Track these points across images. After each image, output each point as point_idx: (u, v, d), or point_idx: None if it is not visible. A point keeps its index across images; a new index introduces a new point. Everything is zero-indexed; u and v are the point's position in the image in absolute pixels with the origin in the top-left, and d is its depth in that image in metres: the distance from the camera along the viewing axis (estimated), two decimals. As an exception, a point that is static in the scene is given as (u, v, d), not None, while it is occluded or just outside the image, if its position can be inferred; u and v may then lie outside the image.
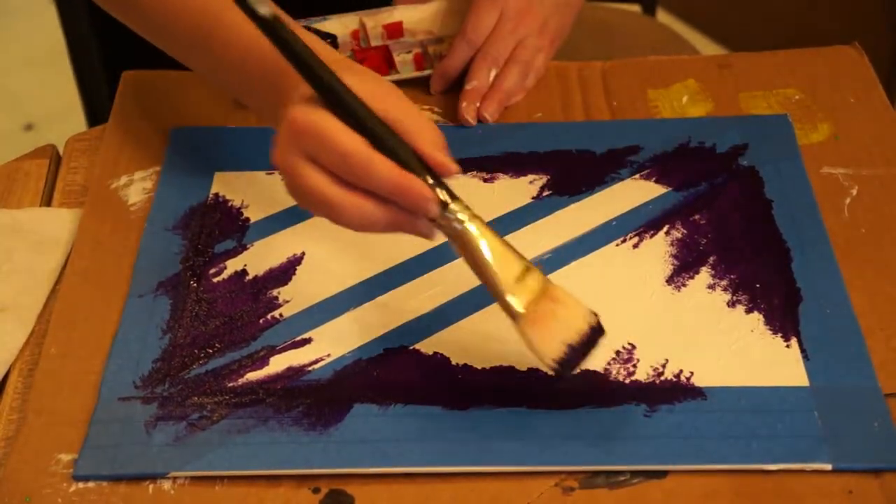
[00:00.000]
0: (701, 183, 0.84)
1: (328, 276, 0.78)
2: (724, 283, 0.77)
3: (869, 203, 0.82)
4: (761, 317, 0.75)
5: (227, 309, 0.77)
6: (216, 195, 0.84)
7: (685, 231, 0.80)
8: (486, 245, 0.67)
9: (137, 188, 0.85)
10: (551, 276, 0.77)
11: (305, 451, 0.68)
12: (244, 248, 0.81)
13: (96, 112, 1.24)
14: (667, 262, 0.79)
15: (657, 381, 0.71)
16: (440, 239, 0.69)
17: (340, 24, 0.96)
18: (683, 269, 0.78)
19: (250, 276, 0.79)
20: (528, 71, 0.92)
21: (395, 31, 0.96)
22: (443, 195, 0.66)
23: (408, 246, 0.78)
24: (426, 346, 0.74)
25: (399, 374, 0.72)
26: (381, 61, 0.93)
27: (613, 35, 1.29)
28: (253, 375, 0.73)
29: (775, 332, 0.74)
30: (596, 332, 0.68)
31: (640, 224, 0.81)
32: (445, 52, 0.93)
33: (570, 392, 0.70)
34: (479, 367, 0.72)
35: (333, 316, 0.76)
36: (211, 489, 0.67)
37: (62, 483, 0.68)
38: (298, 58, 0.66)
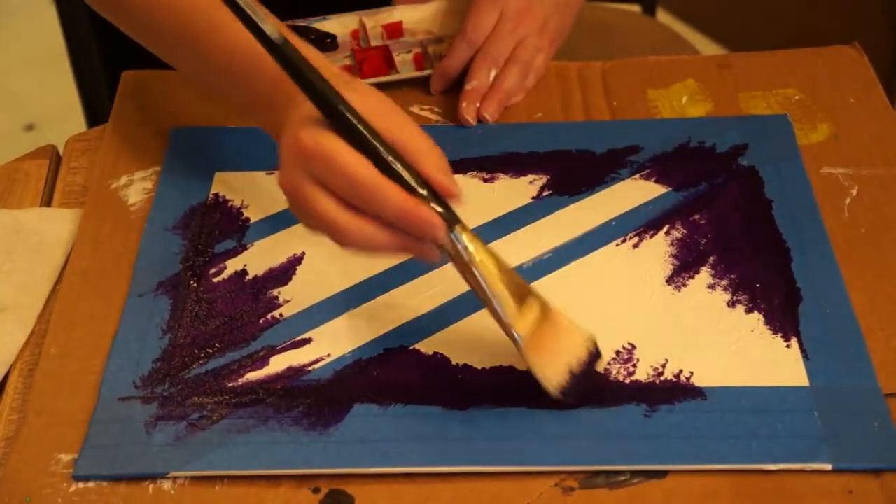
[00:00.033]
0: (701, 183, 0.84)
1: (328, 276, 0.78)
2: (724, 283, 0.77)
3: (869, 203, 0.82)
4: (761, 317, 0.75)
5: (227, 309, 0.77)
6: (216, 195, 0.84)
7: (685, 231, 0.80)
8: (490, 274, 0.67)
9: (137, 188, 0.85)
10: (551, 276, 0.78)
11: (305, 451, 0.68)
12: (244, 248, 0.81)
13: (96, 112, 1.24)
14: (667, 262, 0.79)
15: (657, 381, 0.71)
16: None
17: (340, 24, 0.96)
18: (683, 269, 0.78)
19: (250, 276, 0.79)
20: (528, 71, 0.92)
21: (394, 31, 0.96)
22: (449, 220, 0.66)
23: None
24: (426, 346, 0.74)
25: (399, 374, 0.72)
26: (381, 61, 0.93)
27: (613, 35, 1.29)
28: (253, 375, 0.73)
29: (775, 332, 0.74)
30: (594, 358, 0.69)
31: (640, 224, 0.81)
32: (445, 52, 0.93)
33: (570, 392, 0.71)
34: (479, 367, 0.72)
35: (333, 316, 0.76)
36: (211, 489, 0.67)
37: (62, 483, 0.68)
38: (307, 82, 0.66)
